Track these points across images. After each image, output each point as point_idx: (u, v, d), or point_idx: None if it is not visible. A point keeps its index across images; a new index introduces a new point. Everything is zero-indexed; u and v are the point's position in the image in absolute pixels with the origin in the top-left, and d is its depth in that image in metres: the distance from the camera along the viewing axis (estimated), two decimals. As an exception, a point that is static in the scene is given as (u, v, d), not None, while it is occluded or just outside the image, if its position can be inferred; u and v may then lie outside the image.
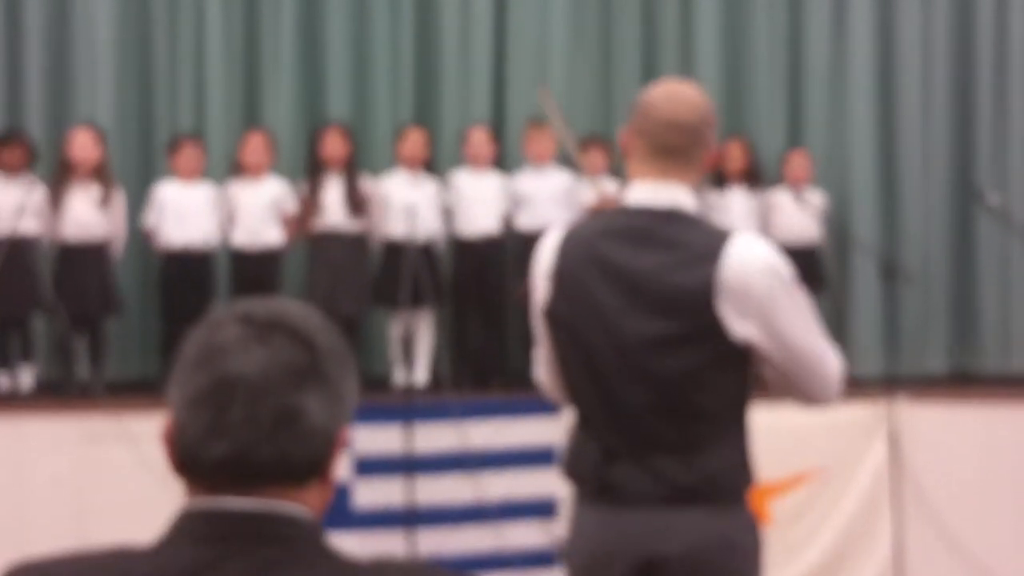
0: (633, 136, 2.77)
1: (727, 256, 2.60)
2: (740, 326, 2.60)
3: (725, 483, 2.67)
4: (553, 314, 2.75)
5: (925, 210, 7.81)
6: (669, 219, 2.68)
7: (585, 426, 2.76)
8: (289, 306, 1.56)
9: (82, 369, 6.87)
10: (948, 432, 6.42)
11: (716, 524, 2.65)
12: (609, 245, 2.70)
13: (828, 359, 2.69)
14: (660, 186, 2.71)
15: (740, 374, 2.67)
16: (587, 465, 2.72)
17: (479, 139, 7.23)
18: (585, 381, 2.73)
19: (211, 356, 1.49)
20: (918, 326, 7.72)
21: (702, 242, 2.65)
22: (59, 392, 6.73)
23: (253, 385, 1.46)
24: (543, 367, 2.88)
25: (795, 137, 7.81)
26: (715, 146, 2.81)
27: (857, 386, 6.28)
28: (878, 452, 6.31)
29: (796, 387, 2.69)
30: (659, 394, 2.64)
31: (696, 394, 2.64)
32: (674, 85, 2.84)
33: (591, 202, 6.65)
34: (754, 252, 2.63)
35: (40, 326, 7.03)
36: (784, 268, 2.64)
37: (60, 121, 7.28)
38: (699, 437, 2.65)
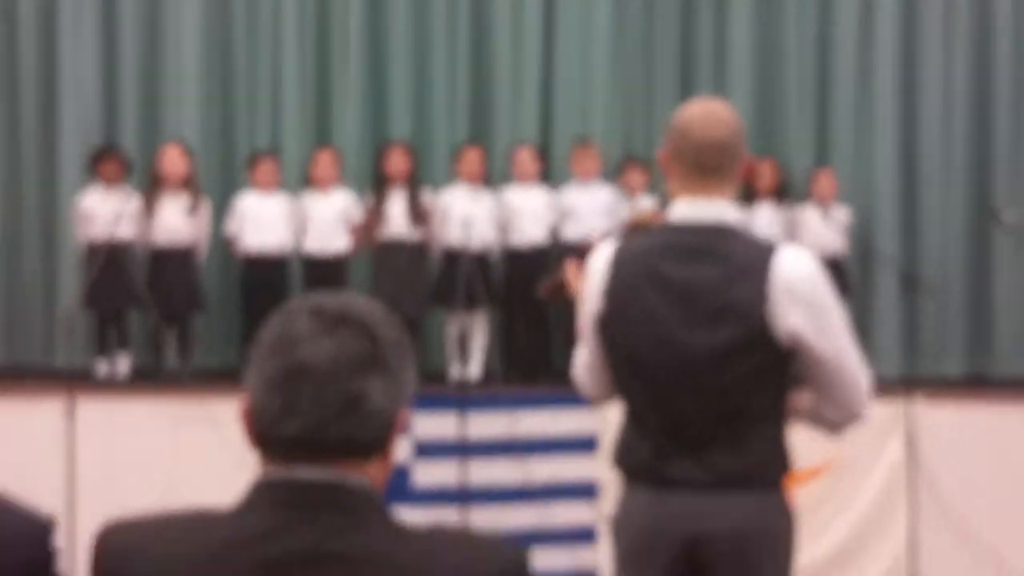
0: (671, 157, 2.77)
1: (775, 268, 2.61)
2: (787, 331, 2.59)
3: (765, 471, 2.69)
4: (608, 326, 2.75)
5: (944, 225, 7.93)
6: (717, 234, 2.69)
7: (636, 424, 2.76)
8: (356, 300, 1.58)
9: (171, 359, 7.11)
10: (962, 431, 6.47)
11: (756, 508, 2.68)
12: (662, 261, 2.69)
13: (861, 369, 2.68)
14: (704, 202, 2.71)
15: (783, 376, 2.68)
16: (639, 459, 2.74)
17: (525, 157, 7.39)
18: (639, 387, 2.73)
19: (285, 344, 1.51)
20: (936, 332, 7.85)
21: (751, 255, 2.65)
22: (151, 379, 6.96)
23: (321, 372, 1.49)
24: (584, 369, 2.89)
25: (822, 157, 7.96)
26: (747, 157, 2.79)
27: (877, 386, 6.40)
28: (895, 449, 6.36)
29: (831, 402, 2.68)
30: (711, 399, 2.65)
31: (744, 397, 2.65)
32: (706, 104, 2.83)
33: (631, 219, 6.69)
34: (800, 263, 2.64)
35: (135, 320, 7.24)
36: (824, 280, 2.66)
37: (152, 138, 7.55)
38: (744, 431, 2.67)
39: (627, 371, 2.76)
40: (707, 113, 2.77)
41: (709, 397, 2.65)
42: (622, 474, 2.82)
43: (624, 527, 2.81)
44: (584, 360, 2.89)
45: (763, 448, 2.70)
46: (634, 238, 2.88)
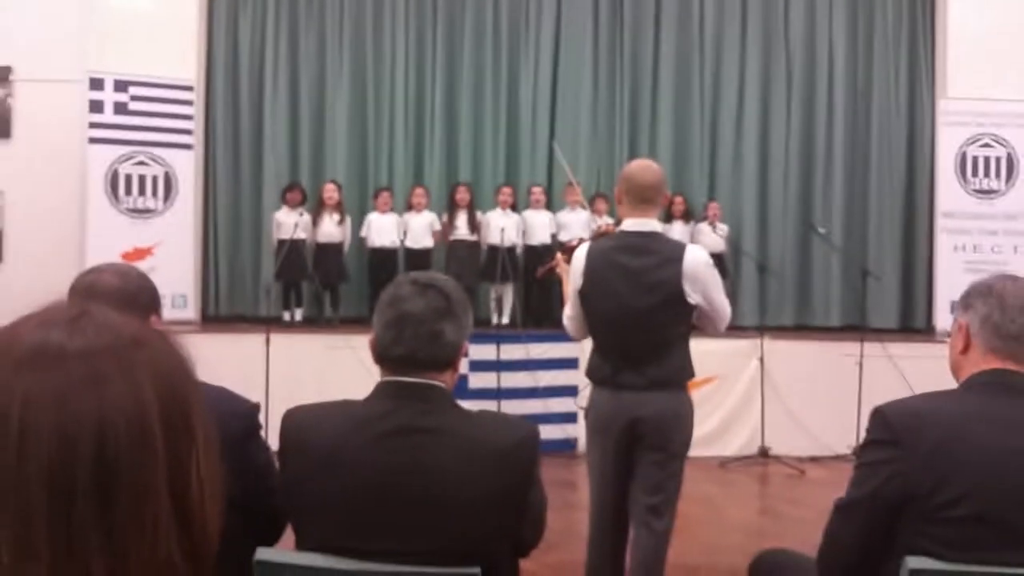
0: (622, 192, 2.70)
1: (685, 259, 2.58)
2: (693, 294, 2.57)
3: (676, 378, 2.64)
4: (585, 293, 2.66)
5: (784, 234, 7.62)
6: (650, 238, 2.64)
7: (601, 352, 2.69)
8: (437, 275, 1.57)
9: (327, 310, 6.89)
10: (793, 356, 6.32)
11: (671, 400, 2.63)
12: (618, 254, 2.63)
13: (728, 311, 2.67)
14: (642, 221, 2.65)
15: (688, 320, 2.64)
16: (603, 373, 2.66)
17: (536, 192, 7.13)
18: (605, 330, 2.66)
19: (395, 301, 1.50)
20: (778, 298, 7.56)
21: (670, 251, 2.61)
22: (316, 322, 6.81)
23: (416, 318, 1.47)
24: (569, 320, 2.77)
25: (712, 193, 7.59)
26: (667, 193, 2.83)
27: (742, 330, 6.30)
28: (753, 366, 6.20)
29: (711, 324, 2.65)
30: (647, 336, 2.60)
31: (666, 333, 2.61)
32: (644, 161, 2.82)
33: (596, 230, 6.60)
34: (699, 255, 2.62)
35: (306, 286, 7.03)
36: (712, 266, 2.65)
37: (318, 177, 7.29)
38: (665, 352, 2.61)
39: (597, 321, 2.66)
40: (644, 166, 2.73)
41: (645, 335, 2.59)
42: (592, 382, 2.74)
43: (593, 413, 2.73)
44: (569, 314, 2.76)
45: (676, 364, 2.63)
46: (600, 241, 2.79)
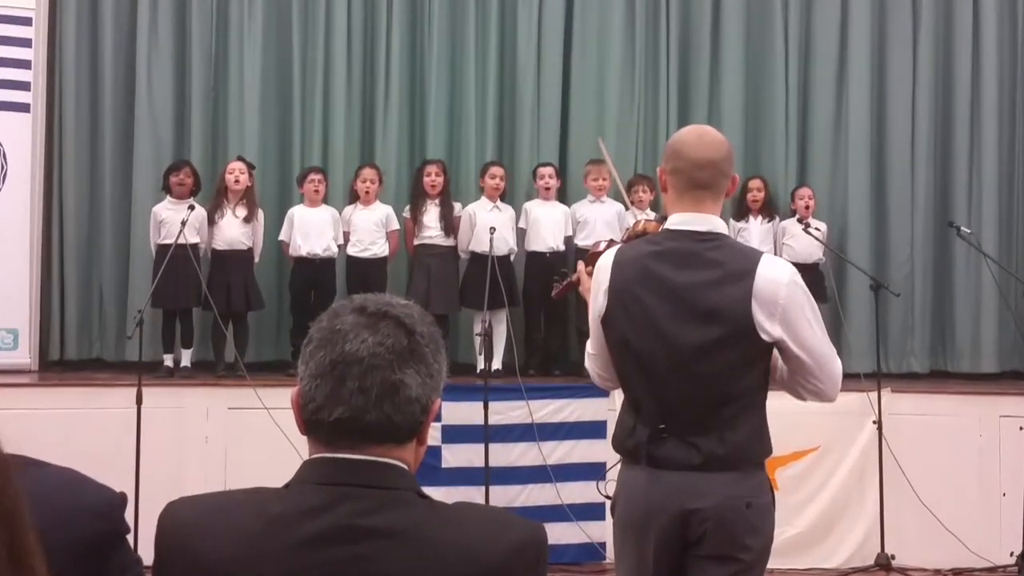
0: (668, 174, 2.72)
1: (759, 272, 2.58)
2: (770, 328, 2.57)
3: (747, 453, 2.64)
4: (610, 321, 2.69)
5: (910, 238, 7.65)
6: (708, 241, 2.65)
7: (635, 410, 2.70)
8: (395, 300, 1.56)
9: (229, 352, 6.81)
10: (926, 419, 6.30)
11: (739, 486, 2.63)
12: (658, 264, 2.65)
13: (835, 363, 2.66)
14: (696, 216, 2.67)
15: (763, 367, 2.65)
16: (637, 442, 2.67)
17: (546, 175, 7.15)
18: (637, 376, 2.68)
19: (332, 339, 1.49)
20: (903, 332, 7.57)
21: (737, 262, 2.63)
22: (211, 370, 6.74)
23: (364, 363, 1.47)
24: (593, 361, 2.81)
25: (803, 177, 7.63)
26: (736, 177, 2.78)
27: (850, 380, 6.29)
28: (866, 434, 6.14)
29: (806, 382, 2.66)
30: (701, 388, 2.61)
31: (730, 386, 2.61)
32: (700, 128, 2.84)
33: (631, 228, 6.59)
34: (780, 269, 2.63)
35: (198, 316, 6.97)
36: (801, 282, 2.63)
37: (217, 156, 7.33)
38: (729, 417, 2.61)
39: (626, 362, 2.69)
40: (701, 134, 2.76)
41: (698, 385, 2.60)
42: (621, 455, 2.78)
43: (622, 503, 2.74)
44: (592, 351, 2.81)
45: (746, 432, 2.64)
46: (634, 244, 2.82)
